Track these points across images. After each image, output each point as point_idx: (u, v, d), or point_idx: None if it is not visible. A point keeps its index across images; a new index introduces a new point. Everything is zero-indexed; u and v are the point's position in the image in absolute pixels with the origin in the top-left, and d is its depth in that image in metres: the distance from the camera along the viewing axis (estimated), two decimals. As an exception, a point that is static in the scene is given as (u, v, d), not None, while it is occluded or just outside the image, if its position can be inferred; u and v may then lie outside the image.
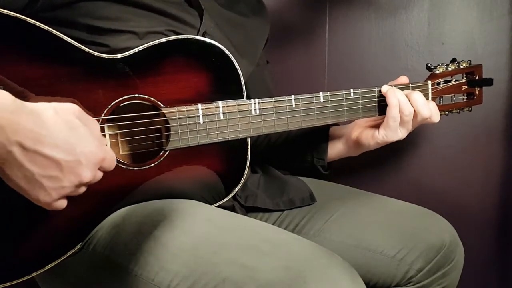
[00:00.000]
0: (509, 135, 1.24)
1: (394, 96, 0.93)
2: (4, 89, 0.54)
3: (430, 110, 0.95)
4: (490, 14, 1.21)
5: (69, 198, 0.61)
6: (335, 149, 1.06)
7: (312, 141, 1.08)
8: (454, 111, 1.07)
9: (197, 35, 0.86)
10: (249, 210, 1.02)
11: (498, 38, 1.21)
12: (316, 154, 1.08)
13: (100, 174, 0.63)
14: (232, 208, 0.95)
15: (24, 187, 0.56)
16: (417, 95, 0.94)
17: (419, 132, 1.28)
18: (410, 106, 0.93)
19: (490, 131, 1.26)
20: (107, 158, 0.63)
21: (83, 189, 0.62)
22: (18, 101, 0.53)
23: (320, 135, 1.08)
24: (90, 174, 0.59)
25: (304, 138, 1.10)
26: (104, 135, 0.75)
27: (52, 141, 0.55)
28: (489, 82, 1.04)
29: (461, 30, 1.23)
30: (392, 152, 1.30)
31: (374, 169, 1.33)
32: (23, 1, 0.72)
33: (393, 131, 0.94)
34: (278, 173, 1.09)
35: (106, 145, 0.64)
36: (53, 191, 0.57)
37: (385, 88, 0.95)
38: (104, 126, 0.76)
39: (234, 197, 0.95)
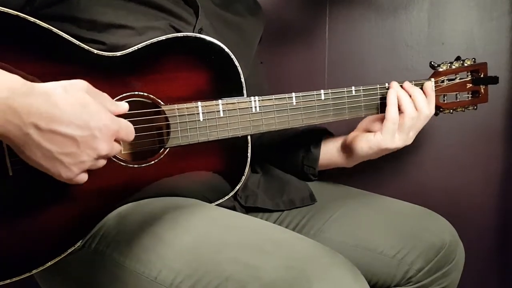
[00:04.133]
0: (509, 135, 1.24)
1: (394, 94, 0.93)
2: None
3: (429, 109, 0.96)
4: (490, 14, 1.21)
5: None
6: (328, 154, 1.05)
7: (304, 148, 1.07)
8: (459, 110, 1.06)
9: (193, 32, 0.86)
10: (249, 210, 1.01)
11: (498, 38, 1.21)
12: (307, 162, 1.07)
13: (117, 146, 0.65)
14: (233, 209, 0.95)
15: (45, 165, 0.58)
16: (417, 92, 0.95)
17: (419, 131, 1.28)
18: (412, 106, 0.93)
19: (490, 131, 1.26)
20: (122, 129, 0.64)
21: (103, 162, 0.64)
22: (28, 83, 0.55)
23: (314, 142, 1.07)
24: (106, 147, 0.62)
25: (296, 143, 1.09)
26: None
27: (66, 119, 0.57)
28: (494, 80, 1.04)
29: (461, 30, 1.23)
30: (392, 152, 1.30)
31: (374, 169, 1.33)
32: None
33: (390, 134, 0.94)
34: (278, 173, 1.09)
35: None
36: (73, 167, 0.60)
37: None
38: None
39: (235, 197, 0.94)
